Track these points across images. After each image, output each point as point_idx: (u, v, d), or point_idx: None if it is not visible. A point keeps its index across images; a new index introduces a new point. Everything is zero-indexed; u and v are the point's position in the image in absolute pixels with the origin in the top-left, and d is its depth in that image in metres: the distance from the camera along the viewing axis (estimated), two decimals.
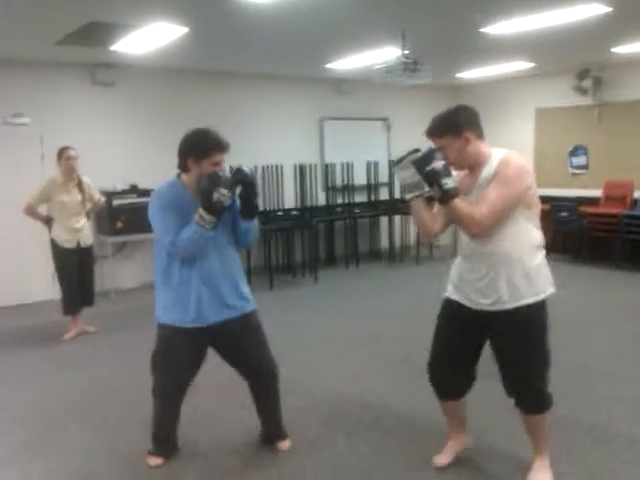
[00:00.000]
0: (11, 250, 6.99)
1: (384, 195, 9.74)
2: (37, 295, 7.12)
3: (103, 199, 6.01)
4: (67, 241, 5.53)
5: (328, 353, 5.05)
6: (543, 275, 2.69)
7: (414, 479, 3.03)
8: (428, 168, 2.56)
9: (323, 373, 4.51)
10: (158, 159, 7.82)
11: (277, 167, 8.61)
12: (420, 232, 2.96)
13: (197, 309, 2.98)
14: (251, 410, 3.39)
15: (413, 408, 3.79)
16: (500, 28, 6.00)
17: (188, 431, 3.39)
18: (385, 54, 6.75)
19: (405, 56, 6.04)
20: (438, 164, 2.55)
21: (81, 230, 5.61)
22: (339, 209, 9.36)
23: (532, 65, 8.59)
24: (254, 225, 3.13)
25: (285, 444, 3.35)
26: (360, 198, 9.62)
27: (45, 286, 6.95)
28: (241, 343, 3.14)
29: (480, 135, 2.71)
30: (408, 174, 2.70)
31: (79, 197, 5.57)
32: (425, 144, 2.70)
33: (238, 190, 2.98)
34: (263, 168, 8.45)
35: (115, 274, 7.57)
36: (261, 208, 8.00)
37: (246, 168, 3.00)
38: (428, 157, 2.58)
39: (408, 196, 2.78)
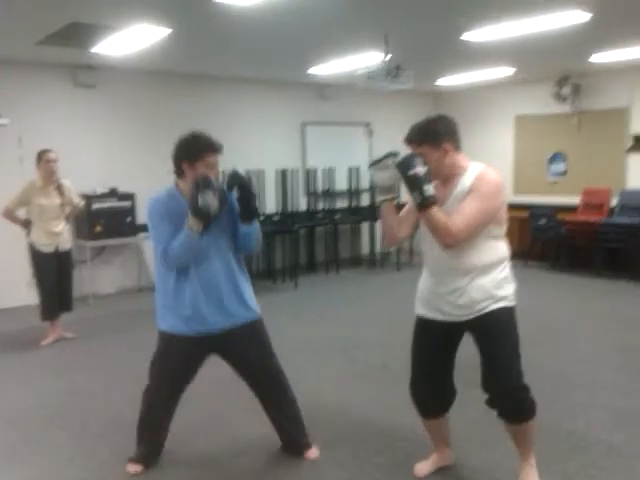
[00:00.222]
0: None
1: (365, 201, 9.76)
2: (14, 300, 7.01)
3: (83, 203, 5.95)
4: (46, 245, 5.46)
5: (308, 359, 5.04)
6: (511, 285, 2.75)
7: None
8: (411, 172, 2.55)
9: (303, 379, 4.48)
10: (138, 162, 7.81)
11: (259, 172, 8.59)
12: (385, 236, 2.95)
13: (195, 317, 2.93)
14: (233, 419, 3.37)
15: (393, 415, 3.79)
16: (482, 34, 6.05)
17: (171, 440, 3.35)
18: (367, 59, 6.77)
19: (387, 61, 6.07)
20: (421, 169, 2.55)
21: (60, 234, 5.54)
22: (320, 215, 9.36)
23: (513, 72, 8.66)
24: (255, 229, 3.05)
25: (313, 452, 3.28)
26: (341, 204, 9.64)
27: (22, 291, 6.85)
28: (244, 353, 3.09)
29: (458, 146, 2.71)
30: (384, 176, 2.71)
31: (58, 201, 5.50)
32: (406, 149, 2.70)
33: (236, 194, 2.95)
34: (245, 172, 8.41)
35: (94, 279, 7.49)
36: None
37: (241, 170, 2.99)
38: (411, 161, 2.57)
39: (380, 198, 2.79)
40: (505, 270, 2.73)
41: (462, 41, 6.31)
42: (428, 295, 2.82)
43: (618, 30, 6.18)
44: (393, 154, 2.70)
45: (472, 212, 2.56)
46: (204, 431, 3.67)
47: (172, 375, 3.08)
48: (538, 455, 2.88)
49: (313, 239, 9.37)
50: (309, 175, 9.30)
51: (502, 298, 2.68)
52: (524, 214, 8.53)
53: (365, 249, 9.78)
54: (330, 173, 9.40)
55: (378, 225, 9.62)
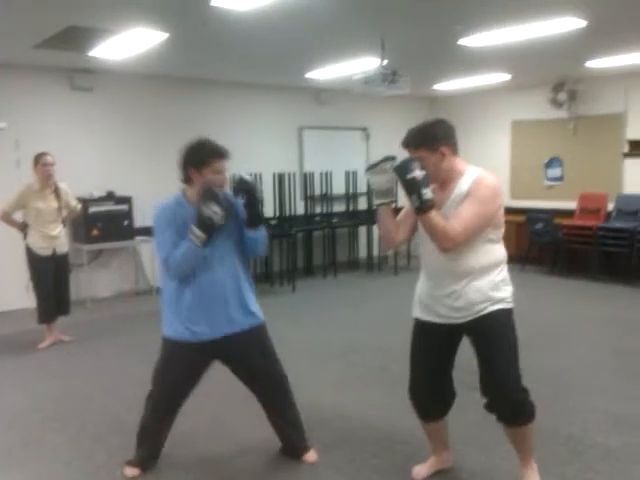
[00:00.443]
0: None
1: (363, 205, 9.77)
2: (11, 303, 6.99)
3: (80, 206, 5.95)
4: (43, 248, 5.46)
5: (306, 363, 5.04)
6: (509, 288, 2.75)
7: None
8: (409, 176, 2.55)
9: (301, 383, 4.46)
10: (135, 166, 7.82)
11: (256, 176, 8.59)
12: (383, 239, 2.97)
13: (198, 323, 2.93)
14: (231, 422, 3.36)
15: (391, 418, 3.79)
16: (478, 40, 6.07)
17: (169, 443, 3.34)
18: (364, 64, 6.79)
19: (384, 66, 6.08)
20: (419, 173, 2.55)
21: (57, 237, 5.54)
22: (318, 218, 9.37)
23: (509, 77, 8.69)
24: (261, 234, 3.07)
25: (311, 456, 3.29)
26: (339, 208, 9.64)
27: (19, 294, 6.84)
28: (246, 358, 3.09)
29: (455, 150, 2.71)
30: (381, 180, 2.72)
31: (55, 204, 5.50)
32: (403, 154, 2.70)
33: (243, 199, 2.96)
34: (251, 177, 8.42)
35: (91, 282, 7.48)
36: None
37: (247, 176, 2.99)
38: (409, 165, 2.57)
39: (377, 202, 2.80)
40: (502, 272, 2.73)
41: (458, 47, 6.33)
42: (426, 298, 2.82)
43: (614, 37, 6.20)
44: (390, 158, 2.71)
45: (469, 216, 2.56)
46: (202, 434, 3.66)
47: (175, 382, 3.07)
48: (536, 459, 2.88)
49: (311, 243, 9.37)
50: (306, 179, 9.31)
51: (500, 300, 2.69)
52: (521, 218, 8.55)
53: (363, 253, 9.79)
54: (327, 177, 9.41)
55: (375, 229, 9.63)
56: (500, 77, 8.64)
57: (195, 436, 3.61)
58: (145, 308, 7.03)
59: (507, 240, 2.82)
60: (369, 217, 9.36)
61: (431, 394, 2.93)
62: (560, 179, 9.34)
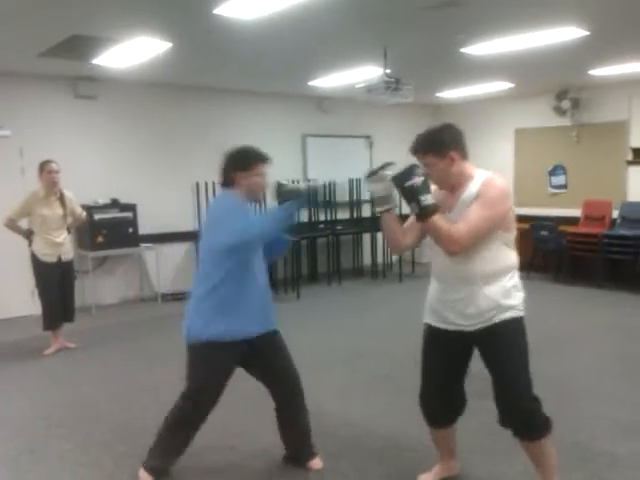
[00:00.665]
0: None
1: (366, 212, 9.77)
2: (17, 310, 7.01)
3: (85, 214, 5.97)
4: (48, 255, 5.47)
5: (311, 369, 5.00)
6: (519, 294, 2.70)
7: None
8: (407, 184, 2.55)
9: (306, 390, 4.46)
10: (139, 174, 7.85)
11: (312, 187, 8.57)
12: (389, 244, 2.97)
13: (247, 320, 3.01)
14: (237, 429, 3.35)
15: (397, 425, 3.78)
16: (481, 49, 6.09)
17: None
18: (367, 72, 6.81)
19: (387, 75, 6.10)
20: (417, 180, 2.54)
21: (62, 244, 5.55)
22: (321, 225, 9.37)
23: (512, 86, 8.72)
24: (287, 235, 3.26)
25: (316, 463, 3.29)
26: (342, 215, 9.65)
27: (25, 301, 6.85)
28: (271, 357, 3.18)
29: (464, 155, 2.69)
30: (379, 187, 2.72)
31: (60, 211, 5.52)
32: (406, 161, 2.69)
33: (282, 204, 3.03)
34: (308, 185, 8.43)
35: (96, 289, 7.49)
36: None
37: (305, 187, 3.13)
38: (408, 173, 2.57)
39: (379, 209, 2.79)
40: (514, 278, 2.69)
41: (461, 55, 6.35)
42: (435, 303, 2.81)
43: (616, 46, 6.22)
44: (388, 164, 2.71)
45: (477, 218, 2.54)
46: (209, 442, 3.65)
47: (217, 389, 3.06)
48: None
49: (315, 250, 9.38)
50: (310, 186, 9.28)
51: (510, 307, 2.65)
52: (525, 226, 8.54)
53: (367, 260, 9.78)
54: (331, 185, 9.42)
55: (380, 236, 9.63)
56: (503, 85, 8.67)
57: (201, 444, 3.59)
58: (150, 315, 7.04)
59: None
60: (373, 224, 9.35)
61: (442, 402, 2.90)
62: (564, 187, 9.34)
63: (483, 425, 3.40)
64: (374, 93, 6.27)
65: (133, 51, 5.79)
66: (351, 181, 9.59)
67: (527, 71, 7.58)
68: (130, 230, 7.53)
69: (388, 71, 6.10)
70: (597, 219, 8.57)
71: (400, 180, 2.58)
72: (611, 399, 4.21)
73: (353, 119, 9.78)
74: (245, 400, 3.97)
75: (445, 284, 2.74)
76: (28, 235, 5.53)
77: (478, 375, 2.88)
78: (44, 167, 5.44)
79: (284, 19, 4.78)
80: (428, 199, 2.54)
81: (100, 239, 7.32)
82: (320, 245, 9.41)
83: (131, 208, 7.56)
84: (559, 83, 8.67)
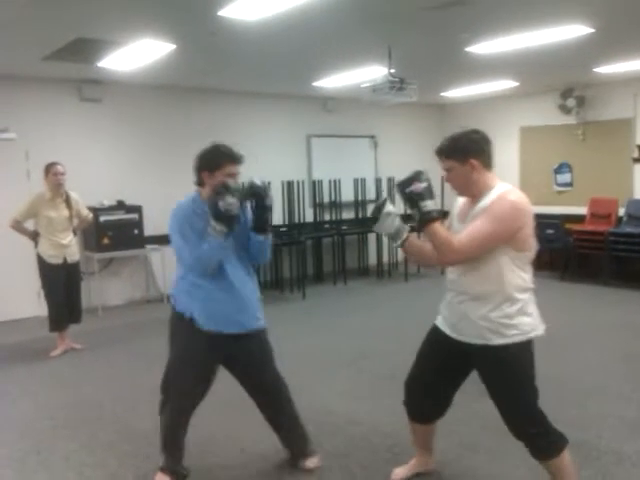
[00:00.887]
0: None
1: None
2: (23, 311, 7.04)
3: (91, 215, 5.99)
4: (53, 257, 5.49)
5: (316, 369, 5.03)
6: (525, 319, 2.56)
7: None
8: (407, 190, 2.54)
9: (311, 389, 4.49)
10: (146, 175, 7.87)
11: (265, 184, 8.57)
12: (424, 264, 2.92)
13: (218, 316, 2.95)
14: (238, 430, 3.36)
15: (402, 424, 3.75)
16: (485, 48, 6.08)
17: (199, 454, 3.31)
18: (372, 72, 6.80)
19: (391, 75, 6.10)
20: (419, 186, 2.53)
21: (68, 246, 5.57)
22: (327, 226, 9.38)
23: (517, 84, 8.70)
24: (269, 240, 3.10)
25: (312, 461, 3.27)
26: (348, 215, 9.64)
27: (31, 302, 6.88)
28: (251, 358, 3.11)
29: (487, 164, 2.62)
30: (387, 224, 2.69)
31: (66, 213, 5.54)
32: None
33: (252, 204, 2.99)
34: (262, 183, 8.44)
35: (102, 290, 7.52)
36: None
37: (258, 181, 3.00)
38: (411, 179, 2.55)
39: (396, 244, 2.74)
40: (520, 302, 2.55)
41: (466, 54, 6.34)
42: (444, 309, 2.81)
43: (622, 43, 6.20)
44: (383, 201, 2.71)
45: (479, 230, 2.47)
46: (212, 443, 3.66)
47: (191, 367, 3.02)
48: None
49: (320, 250, 9.38)
50: (315, 186, 9.32)
51: (512, 331, 2.53)
52: None
53: (372, 259, 9.77)
54: (336, 185, 9.41)
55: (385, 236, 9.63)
56: (508, 84, 8.65)
57: (203, 445, 3.60)
58: (156, 316, 7.03)
59: None
60: None
61: (423, 398, 2.90)
62: (570, 185, 9.32)
63: (486, 425, 3.39)
64: (378, 93, 6.26)
65: (137, 53, 5.81)
66: (356, 181, 9.58)
67: (532, 69, 7.56)
68: (136, 232, 7.55)
69: (392, 71, 6.10)
70: (603, 217, 8.55)
71: (401, 187, 2.57)
72: (618, 397, 4.19)
73: (358, 119, 9.78)
74: (245, 398, 3.97)
75: (451, 293, 2.73)
76: (34, 237, 5.55)
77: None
78: (50, 169, 5.46)
79: (288, 20, 4.78)
80: (429, 206, 2.51)
81: (106, 241, 7.34)
82: (325, 245, 9.41)
83: (137, 210, 7.58)
84: (564, 81, 8.64)
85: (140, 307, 7.74)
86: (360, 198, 9.69)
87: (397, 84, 6.10)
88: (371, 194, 9.63)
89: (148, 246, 7.69)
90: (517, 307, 2.54)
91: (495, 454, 3.36)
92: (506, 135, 10.00)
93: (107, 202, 7.48)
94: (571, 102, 8.93)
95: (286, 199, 8.87)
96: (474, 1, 4.57)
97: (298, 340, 5.89)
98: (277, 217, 8.72)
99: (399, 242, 2.72)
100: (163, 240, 7.91)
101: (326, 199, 9.40)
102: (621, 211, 8.47)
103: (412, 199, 2.54)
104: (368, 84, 6.34)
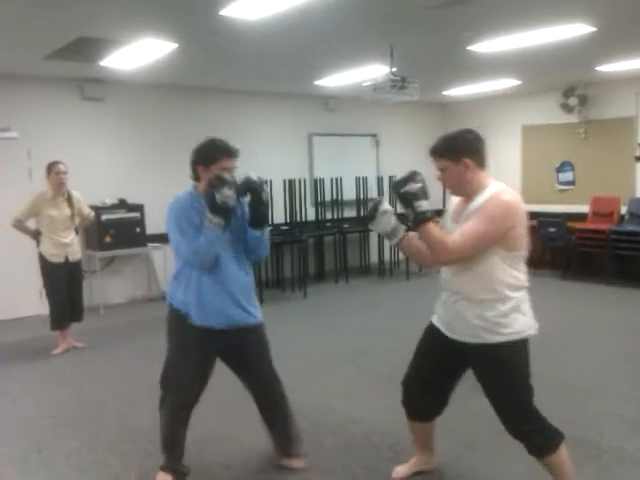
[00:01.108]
0: None
1: None
2: (25, 310, 7.05)
3: (92, 214, 6.00)
4: (55, 255, 5.50)
5: (317, 368, 5.04)
6: (519, 317, 2.57)
7: None
8: (402, 190, 2.55)
9: (311, 388, 4.49)
10: (148, 174, 7.87)
11: (266, 182, 8.56)
12: (421, 263, 2.93)
13: (211, 310, 2.94)
14: (237, 428, 3.37)
15: (403, 423, 3.76)
16: (487, 46, 6.07)
17: (199, 452, 3.30)
18: (373, 71, 6.80)
19: (393, 73, 6.09)
20: (413, 186, 2.54)
21: (70, 245, 5.58)
22: (328, 224, 9.38)
23: (519, 83, 8.69)
24: (266, 235, 3.09)
25: (296, 462, 3.27)
26: (349, 213, 9.63)
27: (33, 301, 6.89)
28: (247, 353, 3.11)
29: (481, 163, 2.63)
30: (383, 224, 2.72)
31: (68, 212, 5.54)
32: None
33: (248, 199, 2.98)
34: (258, 178, 8.45)
35: (104, 289, 7.53)
36: None
37: (254, 176, 2.99)
38: (405, 179, 2.56)
39: (392, 243, 2.77)
40: (514, 300, 2.56)
41: (468, 53, 6.33)
42: (439, 308, 2.82)
43: (624, 42, 6.20)
44: (378, 199, 2.74)
45: (472, 230, 2.48)
46: (211, 442, 3.66)
47: (185, 363, 3.03)
48: None
49: (322, 248, 9.38)
50: (317, 185, 9.32)
51: (505, 330, 2.54)
52: (533, 223, 8.51)
53: (374, 258, 9.77)
54: (338, 183, 9.42)
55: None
56: (510, 83, 8.64)
57: (202, 444, 3.60)
58: (158, 314, 6.95)
59: None
60: None
61: (420, 396, 2.91)
62: (572, 183, 9.31)
63: (485, 424, 3.38)
64: (380, 92, 6.26)
65: (139, 53, 5.81)
66: (357, 179, 9.58)
67: (534, 68, 7.55)
68: (137, 230, 7.57)
69: (394, 70, 6.10)
70: (605, 215, 8.54)
71: (396, 188, 2.58)
72: (619, 396, 4.19)
73: (359, 118, 9.78)
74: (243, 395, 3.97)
75: (446, 293, 2.74)
76: (36, 236, 5.56)
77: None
78: (52, 168, 5.46)
79: (290, 19, 4.78)
80: (423, 206, 2.52)
81: (108, 239, 7.35)
82: (327, 243, 9.41)
83: (138, 208, 7.59)
84: (566, 80, 8.63)
85: (142, 305, 7.75)
86: (362, 197, 9.69)
87: (398, 83, 6.10)
88: (373, 193, 9.62)
89: (150, 244, 7.70)
90: (510, 305, 2.55)
91: (493, 452, 3.36)
92: (508, 134, 10.00)
93: (109, 201, 7.49)
94: (573, 101, 8.92)
95: (288, 197, 8.87)
96: (476, 0, 4.57)
97: (299, 339, 5.90)
98: (279, 215, 8.74)
99: (395, 240, 2.75)
100: (165, 238, 7.83)
101: (328, 197, 9.40)
102: (623, 209, 8.46)
103: (406, 199, 2.55)
104: (369, 83, 6.34)
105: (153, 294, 8.04)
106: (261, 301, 7.58)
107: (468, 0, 4.57)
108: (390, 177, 9.26)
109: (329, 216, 9.46)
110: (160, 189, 7.72)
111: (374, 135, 10.16)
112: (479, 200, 2.56)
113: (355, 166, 9.70)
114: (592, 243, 8.25)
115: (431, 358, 2.85)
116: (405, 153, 9.72)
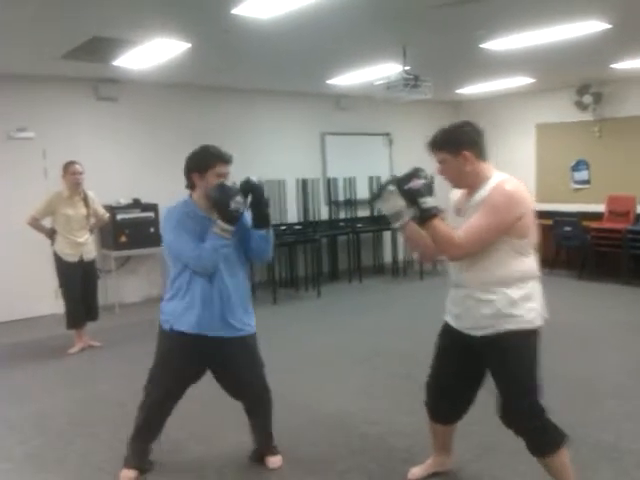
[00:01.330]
0: (15, 264, 6.98)
1: None
2: (41, 309, 7.10)
3: (107, 215, 6.02)
4: (70, 255, 5.53)
5: (331, 368, 5.03)
6: (531, 305, 2.57)
7: None
8: (406, 187, 2.54)
9: (326, 388, 4.49)
10: (161, 173, 7.88)
11: (279, 182, 8.61)
12: (420, 254, 2.93)
13: (205, 319, 2.97)
14: (230, 428, 3.36)
15: (419, 424, 3.75)
16: (501, 44, 6.04)
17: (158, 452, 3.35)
18: (386, 70, 6.78)
19: (406, 72, 6.07)
20: (417, 183, 2.53)
21: (84, 244, 5.61)
22: (342, 223, 9.37)
23: (532, 81, 8.63)
24: (271, 234, 3.12)
25: (274, 460, 3.30)
26: (363, 213, 9.62)
27: (48, 300, 6.94)
28: (237, 364, 3.12)
29: (480, 155, 2.62)
30: (389, 204, 2.70)
31: (84, 211, 5.58)
32: (426, 162, 2.67)
33: (249, 200, 3.00)
34: (258, 180, 8.46)
35: (119, 288, 7.57)
36: None
37: (254, 178, 3.02)
38: (409, 176, 2.56)
39: (396, 225, 2.75)
40: (525, 289, 2.56)
41: (481, 51, 6.29)
42: (450, 305, 2.81)
43: (639, 40, 6.13)
44: (390, 180, 2.70)
45: (479, 224, 2.47)
46: (191, 440, 3.67)
47: (168, 379, 3.16)
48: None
49: (335, 248, 9.37)
50: (330, 184, 9.32)
51: (515, 318, 2.54)
52: (548, 222, 8.45)
53: (388, 257, 9.75)
54: (351, 182, 9.40)
55: (400, 234, 9.61)
56: (524, 80, 8.58)
57: (185, 442, 3.62)
58: None
59: None
60: None
61: (442, 396, 2.89)
62: (587, 182, 9.24)
63: (486, 424, 3.35)
64: (393, 90, 6.24)
65: (153, 52, 5.83)
66: (371, 179, 9.56)
67: (548, 66, 7.50)
68: (152, 230, 7.59)
69: (407, 68, 6.07)
70: (621, 214, 8.46)
71: (400, 184, 2.57)
72: (637, 397, 4.14)
73: (372, 117, 9.76)
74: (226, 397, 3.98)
75: (455, 286, 2.73)
76: (51, 234, 5.59)
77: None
78: (68, 168, 5.49)
79: (302, 18, 4.78)
80: (428, 202, 2.51)
81: (123, 239, 7.40)
82: (341, 243, 9.40)
83: (152, 208, 7.62)
84: (580, 77, 8.56)
85: (157, 304, 7.60)
86: None
87: (412, 81, 6.09)
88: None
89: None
90: (521, 294, 2.54)
91: (512, 454, 3.32)
92: (522, 132, 9.95)
93: (123, 200, 7.52)
94: (587, 99, 8.85)
95: (301, 197, 8.88)
96: None
97: (313, 338, 5.89)
98: (292, 215, 8.75)
99: (398, 224, 2.73)
100: None
101: (341, 197, 9.39)
102: (639, 208, 8.37)
103: (410, 196, 2.54)
104: (382, 81, 6.32)
105: None
106: (274, 300, 7.60)
107: None
108: None
109: (342, 215, 9.46)
110: (173, 189, 7.72)
111: (387, 134, 10.13)
112: (482, 192, 2.56)
113: (368, 165, 9.68)
114: (608, 243, 8.18)
115: (449, 363, 2.83)
116: (418, 152, 9.50)
